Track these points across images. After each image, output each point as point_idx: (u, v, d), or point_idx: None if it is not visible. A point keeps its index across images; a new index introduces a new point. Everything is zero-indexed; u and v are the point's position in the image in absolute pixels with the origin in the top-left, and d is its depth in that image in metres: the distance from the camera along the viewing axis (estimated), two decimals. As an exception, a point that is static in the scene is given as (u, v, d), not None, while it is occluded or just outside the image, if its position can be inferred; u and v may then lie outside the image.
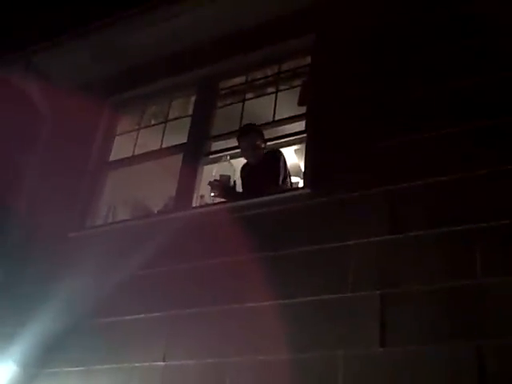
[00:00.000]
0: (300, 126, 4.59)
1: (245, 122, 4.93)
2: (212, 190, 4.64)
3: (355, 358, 3.29)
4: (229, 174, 4.68)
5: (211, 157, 4.91)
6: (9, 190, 5.40)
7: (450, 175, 3.52)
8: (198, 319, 3.86)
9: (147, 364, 3.88)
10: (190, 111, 5.38)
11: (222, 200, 4.67)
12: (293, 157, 5.55)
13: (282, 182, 4.57)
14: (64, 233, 4.89)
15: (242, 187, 4.77)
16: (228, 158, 4.75)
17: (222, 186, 4.60)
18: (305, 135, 4.47)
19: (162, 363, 3.83)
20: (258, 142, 4.66)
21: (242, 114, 5.04)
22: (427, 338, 3.18)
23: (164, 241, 4.24)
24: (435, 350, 3.11)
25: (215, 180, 4.63)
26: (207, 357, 3.70)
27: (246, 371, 3.58)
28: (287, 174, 4.66)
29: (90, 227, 5.05)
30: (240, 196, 4.62)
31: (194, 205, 4.69)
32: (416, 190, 3.60)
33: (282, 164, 4.60)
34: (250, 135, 4.67)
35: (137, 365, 3.91)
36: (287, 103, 4.98)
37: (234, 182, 4.71)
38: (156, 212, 5.55)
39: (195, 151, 4.92)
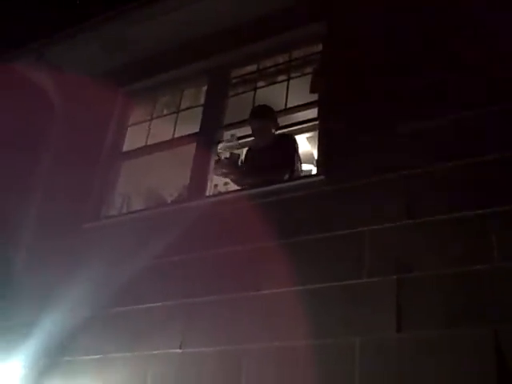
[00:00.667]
0: (312, 113, 4.58)
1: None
2: (220, 166, 4.65)
3: (372, 344, 3.29)
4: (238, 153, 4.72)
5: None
6: (23, 182, 5.44)
7: (464, 159, 3.51)
8: (214, 307, 3.87)
9: (164, 352, 3.90)
10: (202, 101, 5.38)
11: (235, 188, 4.70)
12: (305, 144, 5.55)
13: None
14: (79, 224, 4.92)
15: (247, 168, 4.76)
16: (236, 137, 4.76)
17: (232, 163, 4.63)
18: (317, 122, 4.47)
19: (178, 350, 3.85)
20: (270, 126, 4.67)
21: (253, 102, 5.04)
22: (444, 322, 3.17)
23: (178, 230, 4.25)
24: (452, 334, 3.11)
25: (225, 158, 4.66)
26: (223, 344, 3.72)
27: (262, 358, 3.59)
28: (299, 160, 4.66)
29: (104, 217, 5.07)
30: (248, 175, 4.63)
31: (207, 194, 4.70)
32: (431, 175, 3.59)
33: (296, 149, 4.61)
34: (264, 119, 4.67)
35: (154, 353, 3.93)
36: (299, 91, 4.97)
37: (242, 161, 4.73)
38: (170, 201, 5.58)
39: (208, 140, 4.92)
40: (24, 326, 4.48)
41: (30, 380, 4.30)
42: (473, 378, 2.97)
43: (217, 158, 4.77)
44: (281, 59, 5.24)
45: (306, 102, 4.75)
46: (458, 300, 3.17)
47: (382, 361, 3.24)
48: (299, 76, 5.15)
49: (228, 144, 4.80)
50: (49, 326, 4.37)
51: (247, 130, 4.81)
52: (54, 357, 4.30)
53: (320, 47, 4.81)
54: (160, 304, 4.07)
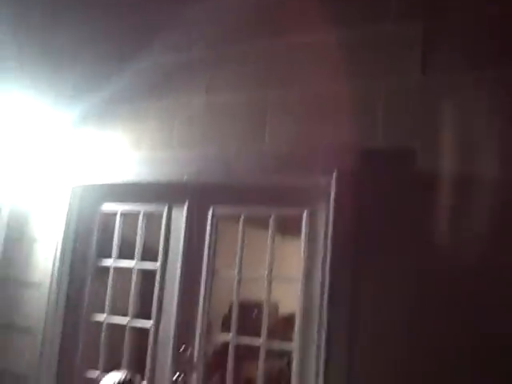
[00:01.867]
0: None
1: None
2: None
3: (396, 87, 3.36)
4: None
5: None
6: None
7: None
8: (240, 55, 3.88)
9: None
10: None
11: None
12: None
13: None
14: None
15: None
16: None
17: None
18: None
19: (204, 98, 3.95)
20: None
21: None
22: (468, 67, 3.21)
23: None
24: (475, 77, 3.16)
25: None
26: (250, 90, 3.80)
27: (287, 106, 3.68)
28: None
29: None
30: None
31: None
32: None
33: None
34: None
35: (181, 100, 4.03)
36: None
37: None
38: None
39: None
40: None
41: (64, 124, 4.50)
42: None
43: None
44: None
45: None
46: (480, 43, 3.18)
47: (406, 103, 3.34)
48: None
49: None
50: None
51: None
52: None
53: None
54: (186, 54, 4.07)
